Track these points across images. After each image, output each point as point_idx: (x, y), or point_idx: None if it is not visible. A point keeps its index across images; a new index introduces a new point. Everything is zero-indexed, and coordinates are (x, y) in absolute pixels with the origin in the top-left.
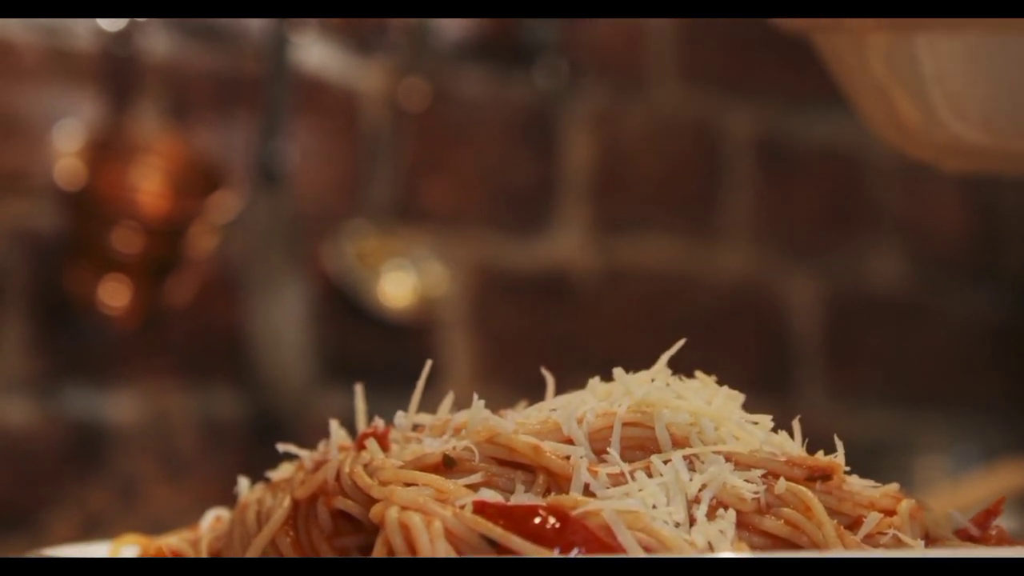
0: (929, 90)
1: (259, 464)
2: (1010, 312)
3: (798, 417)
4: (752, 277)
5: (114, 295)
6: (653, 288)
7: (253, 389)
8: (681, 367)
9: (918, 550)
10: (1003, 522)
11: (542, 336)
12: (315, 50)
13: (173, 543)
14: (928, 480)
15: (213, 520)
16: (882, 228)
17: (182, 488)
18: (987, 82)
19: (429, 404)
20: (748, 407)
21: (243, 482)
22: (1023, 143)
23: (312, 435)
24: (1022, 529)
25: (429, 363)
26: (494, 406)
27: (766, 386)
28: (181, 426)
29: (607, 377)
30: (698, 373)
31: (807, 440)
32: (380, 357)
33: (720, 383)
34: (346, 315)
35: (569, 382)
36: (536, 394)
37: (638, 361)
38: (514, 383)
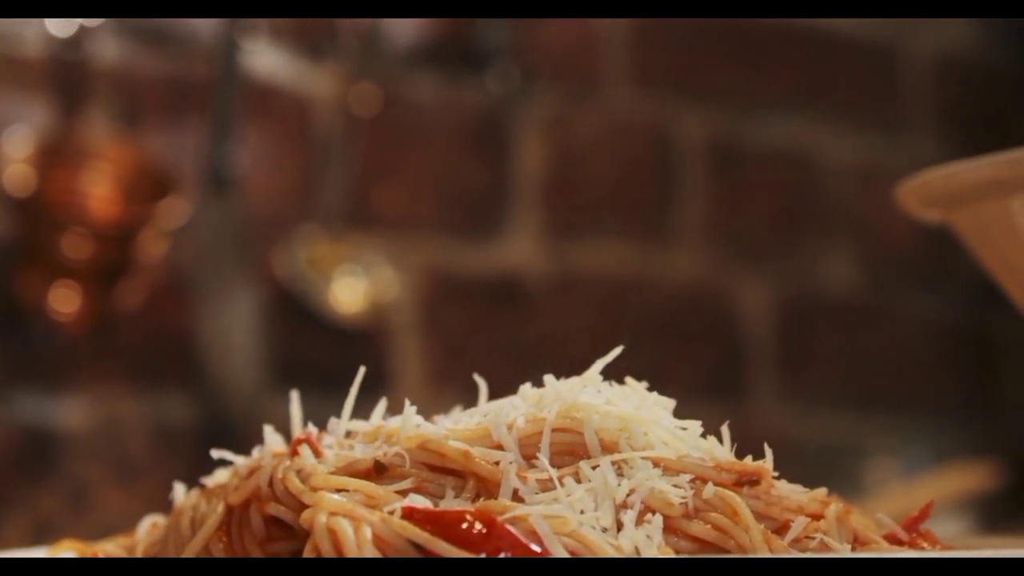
0: None
1: (210, 469)
2: (960, 315)
3: (727, 423)
4: (704, 280)
5: (64, 301)
6: (605, 292)
7: (204, 394)
8: (632, 371)
9: (842, 552)
10: (952, 524)
11: (494, 340)
12: (266, 55)
13: (109, 549)
14: (879, 482)
15: (150, 526)
16: (834, 231)
17: (133, 493)
18: None
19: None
20: (701, 409)
21: (179, 488)
22: None
23: (263, 440)
24: (970, 531)
25: (362, 370)
26: (445, 411)
27: (719, 389)
28: (132, 431)
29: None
30: (628, 379)
31: (736, 445)
32: (331, 362)
33: (672, 386)
34: (297, 320)
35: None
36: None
37: (590, 365)
38: (466, 387)
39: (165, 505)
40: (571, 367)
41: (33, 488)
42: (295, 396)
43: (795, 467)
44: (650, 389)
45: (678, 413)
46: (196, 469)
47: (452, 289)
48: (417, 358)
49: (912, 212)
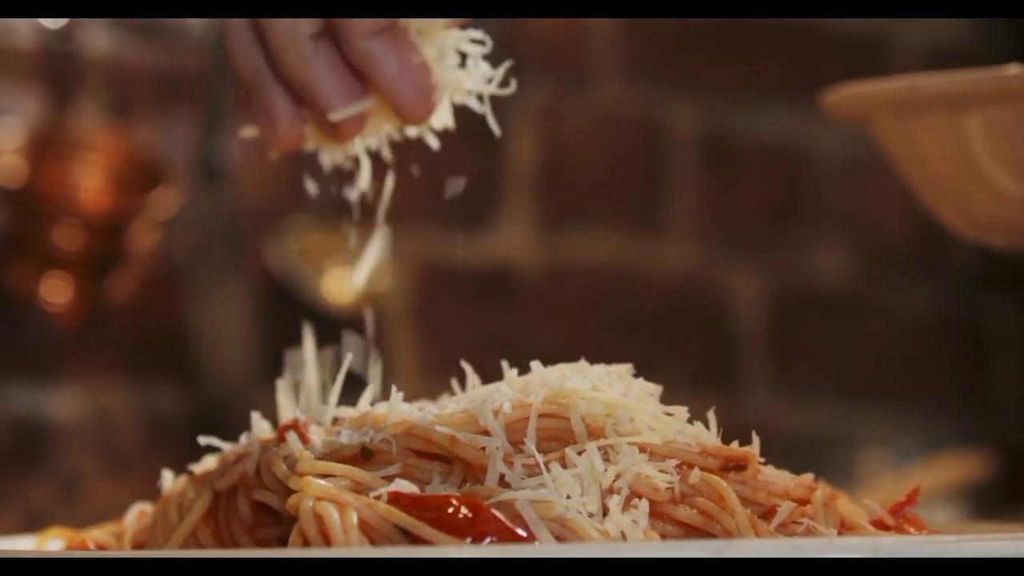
0: (988, 167)
1: (200, 459)
2: (952, 306)
3: (713, 408)
4: (696, 272)
5: (55, 292)
6: (597, 283)
7: (195, 385)
8: (623, 361)
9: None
10: (943, 514)
11: (486, 331)
12: None
13: (98, 536)
14: (871, 472)
15: (137, 514)
16: (825, 223)
17: (124, 483)
18: None
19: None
20: (692, 400)
21: (167, 475)
22: None
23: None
24: (961, 520)
25: (349, 356)
26: (437, 400)
27: (710, 380)
28: (123, 422)
29: None
30: (615, 365)
31: (722, 431)
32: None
33: (663, 376)
34: (289, 311)
35: None
36: None
37: (582, 356)
38: (458, 377)
39: (156, 496)
40: (562, 357)
41: (24, 479)
42: (281, 383)
43: (786, 458)
44: (636, 375)
45: (669, 403)
46: (187, 459)
47: (444, 279)
48: (409, 348)
49: (837, 117)
